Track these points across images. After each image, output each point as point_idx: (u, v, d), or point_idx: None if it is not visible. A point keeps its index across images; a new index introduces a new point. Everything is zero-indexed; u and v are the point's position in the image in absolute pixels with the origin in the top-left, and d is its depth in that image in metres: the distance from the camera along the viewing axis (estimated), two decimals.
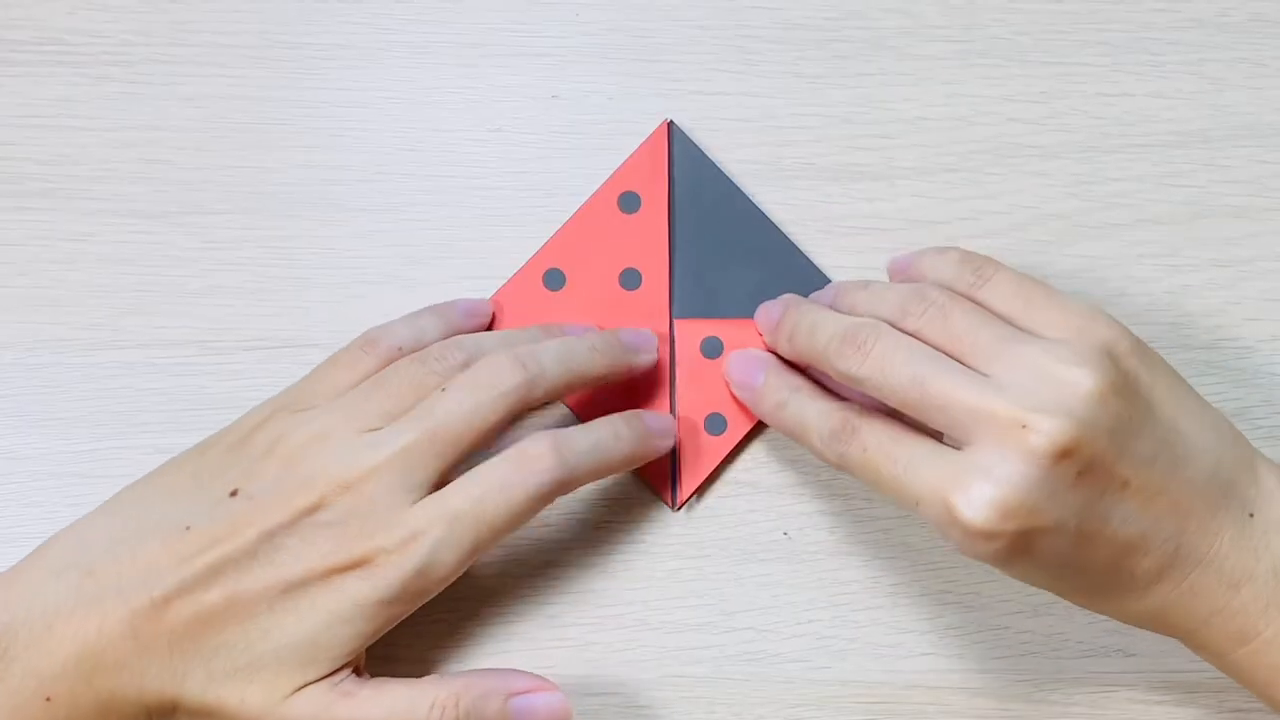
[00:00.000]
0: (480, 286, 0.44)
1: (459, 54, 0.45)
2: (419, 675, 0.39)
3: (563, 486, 0.38)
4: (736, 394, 0.43)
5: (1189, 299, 0.44)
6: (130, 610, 0.36)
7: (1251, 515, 0.36)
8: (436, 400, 0.38)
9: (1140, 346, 0.37)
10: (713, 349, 0.44)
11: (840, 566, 0.43)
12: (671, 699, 0.43)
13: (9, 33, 0.45)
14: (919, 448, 0.36)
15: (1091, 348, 0.35)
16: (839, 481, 0.44)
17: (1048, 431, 0.33)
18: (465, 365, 0.39)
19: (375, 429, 0.38)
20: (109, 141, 0.45)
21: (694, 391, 0.44)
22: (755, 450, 0.44)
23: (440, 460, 0.38)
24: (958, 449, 0.35)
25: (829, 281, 0.44)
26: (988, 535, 0.34)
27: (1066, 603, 0.38)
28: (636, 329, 0.43)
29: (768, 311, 0.42)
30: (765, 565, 0.43)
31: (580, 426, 0.40)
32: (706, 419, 0.44)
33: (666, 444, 0.42)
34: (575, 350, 0.40)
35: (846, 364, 0.37)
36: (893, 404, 0.36)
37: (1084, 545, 0.35)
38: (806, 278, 0.44)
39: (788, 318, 0.41)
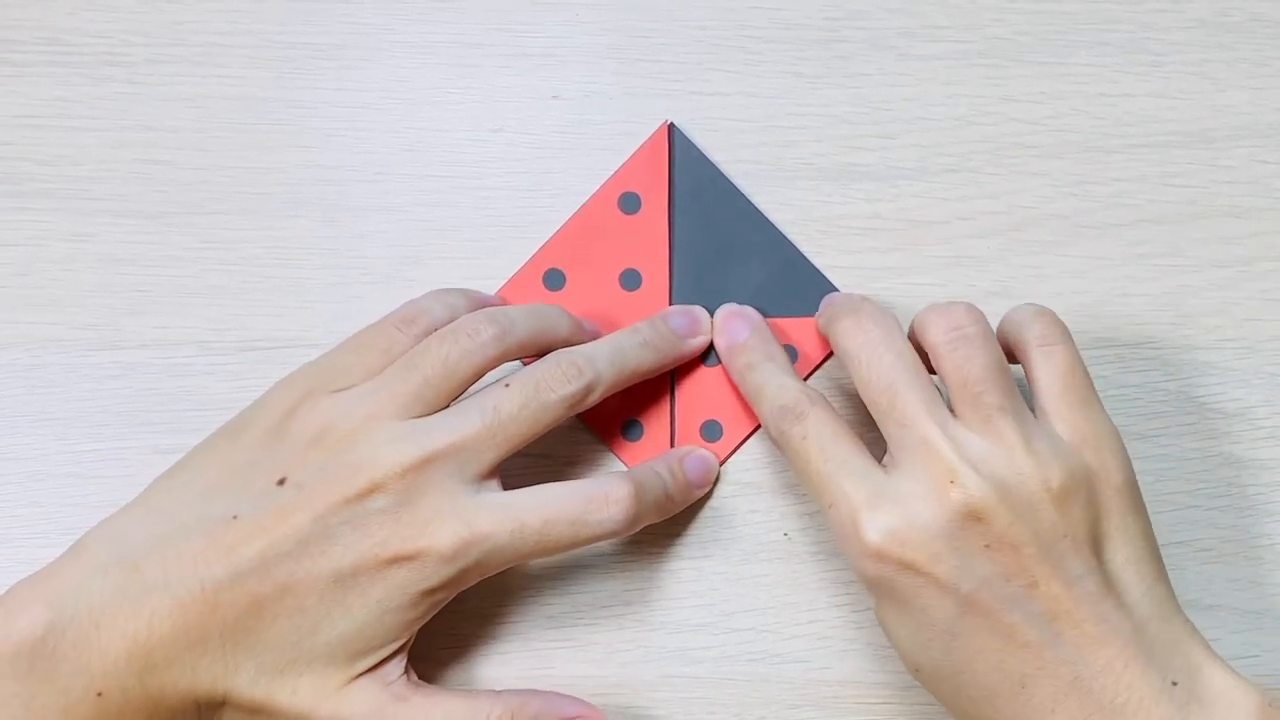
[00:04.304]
0: (480, 286, 0.44)
1: (459, 54, 0.45)
2: (418, 674, 0.39)
3: (625, 531, 0.39)
4: (715, 341, 0.43)
5: (1189, 299, 0.44)
6: (180, 604, 0.35)
7: (1175, 684, 0.34)
8: (500, 396, 0.38)
9: (1131, 494, 0.36)
10: (712, 356, 0.44)
11: (841, 567, 0.43)
12: (671, 699, 0.43)
13: (8, 32, 0.45)
14: (853, 457, 0.37)
15: (1078, 460, 0.36)
16: None
17: (968, 490, 0.35)
18: (498, 340, 0.39)
19: (416, 414, 0.38)
20: (108, 141, 0.45)
21: (691, 398, 0.44)
22: (756, 451, 0.44)
23: (496, 454, 0.38)
24: (886, 472, 0.36)
25: (828, 282, 0.44)
26: (877, 555, 0.35)
27: None
28: (685, 308, 0.43)
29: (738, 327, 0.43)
30: (766, 566, 0.43)
31: (649, 473, 0.40)
32: (703, 426, 0.44)
33: (701, 492, 0.43)
34: (627, 350, 0.41)
35: (842, 325, 0.38)
36: (860, 390, 0.37)
37: (973, 617, 0.35)
38: (806, 278, 0.44)
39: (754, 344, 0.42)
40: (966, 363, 0.36)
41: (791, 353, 0.44)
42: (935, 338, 0.37)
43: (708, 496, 0.44)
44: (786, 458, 0.39)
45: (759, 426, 0.44)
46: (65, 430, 0.44)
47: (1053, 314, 0.38)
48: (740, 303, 0.44)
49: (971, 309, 0.37)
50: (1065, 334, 0.38)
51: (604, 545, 0.43)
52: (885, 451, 0.38)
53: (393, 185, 0.45)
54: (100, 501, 0.43)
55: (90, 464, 0.43)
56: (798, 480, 0.39)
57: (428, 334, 0.39)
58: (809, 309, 0.44)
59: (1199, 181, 0.45)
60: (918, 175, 0.45)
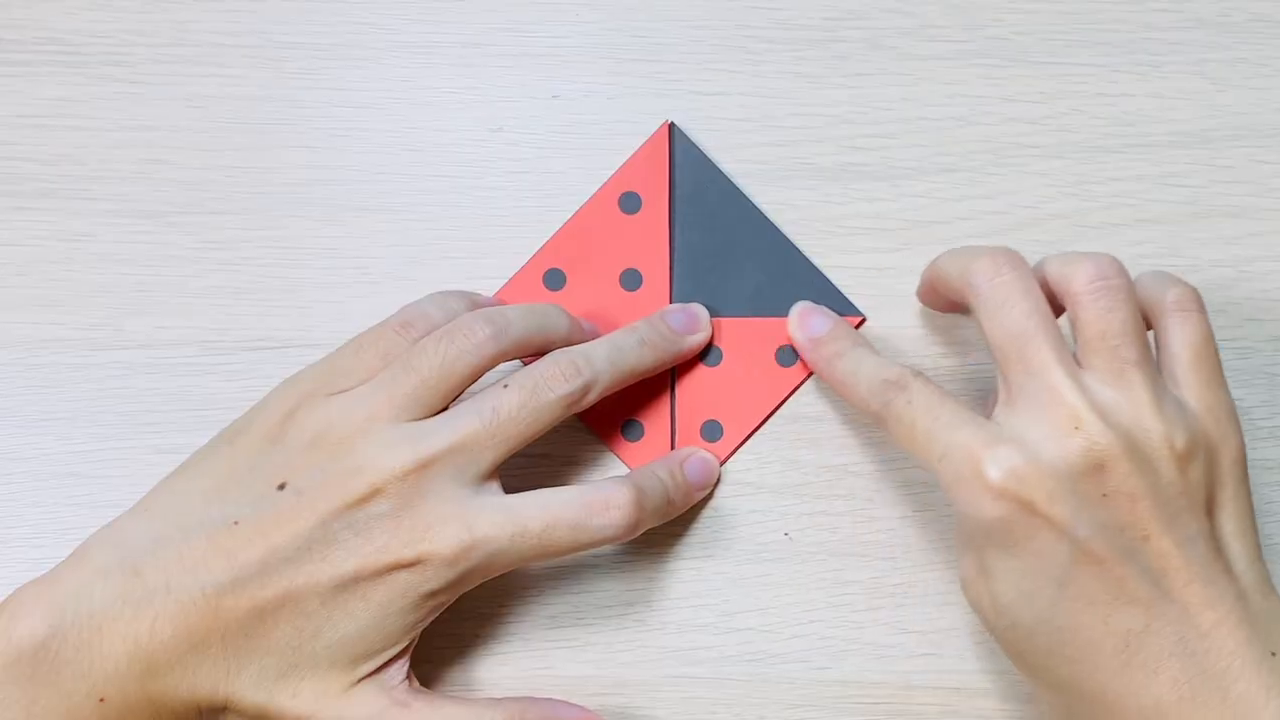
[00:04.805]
0: (481, 286, 0.44)
1: (459, 54, 0.45)
2: (418, 675, 0.39)
3: (625, 537, 0.39)
4: (793, 340, 0.43)
5: None
6: (181, 608, 0.35)
7: (1274, 654, 0.34)
8: (498, 397, 0.38)
9: (1244, 470, 0.36)
10: (712, 356, 0.44)
11: (841, 567, 0.43)
12: (671, 699, 0.43)
13: (9, 32, 0.45)
14: (963, 412, 0.36)
15: (1201, 427, 0.35)
16: (842, 483, 0.44)
17: (1092, 437, 0.34)
18: (494, 339, 0.39)
19: (414, 415, 0.38)
20: (109, 141, 0.45)
21: (692, 398, 0.44)
22: (757, 450, 0.44)
23: (495, 455, 0.38)
24: (1001, 421, 0.36)
25: (829, 282, 0.44)
26: (998, 492, 0.34)
27: None
28: (684, 305, 0.43)
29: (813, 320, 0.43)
30: (766, 566, 0.43)
31: (650, 477, 0.40)
32: (703, 426, 0.44)
33: (702, 494, 0.43)
34: (625, 349, 0.41)
35: (978, 265, 0.37)
36: (988, 335, 0.36)
37: (1086, 566, 0.34)
38: (806, 279, 0.44)
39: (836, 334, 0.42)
40: (1109, 314, 0.36)
41: (791, 353, 0.44)
42: (1079, 285, 0.36)
43: (708, 497, 0.44)
44: (889, 428, 0.38)
45: (759, 426, 0.44)
46: (67, 430, 0.44)
47: (1189, 283, 0.38)
48: (741, 303, 0.44)
49: (1116, 261, 0.37)
50: (1202, 304, 0.37)
51: (604, 546, 0.43)
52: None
53: (393, 185, 0.45)
54: (101, 501, 0.43)
55: (92, 464, 0.44)
56: (901, 447, 0.38)
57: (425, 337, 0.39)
58: None
59: (1198, 181, 0.45)
60: (918, 175, 0.45)
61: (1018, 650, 0.36)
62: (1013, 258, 0.37)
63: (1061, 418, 0.34)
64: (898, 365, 0.39)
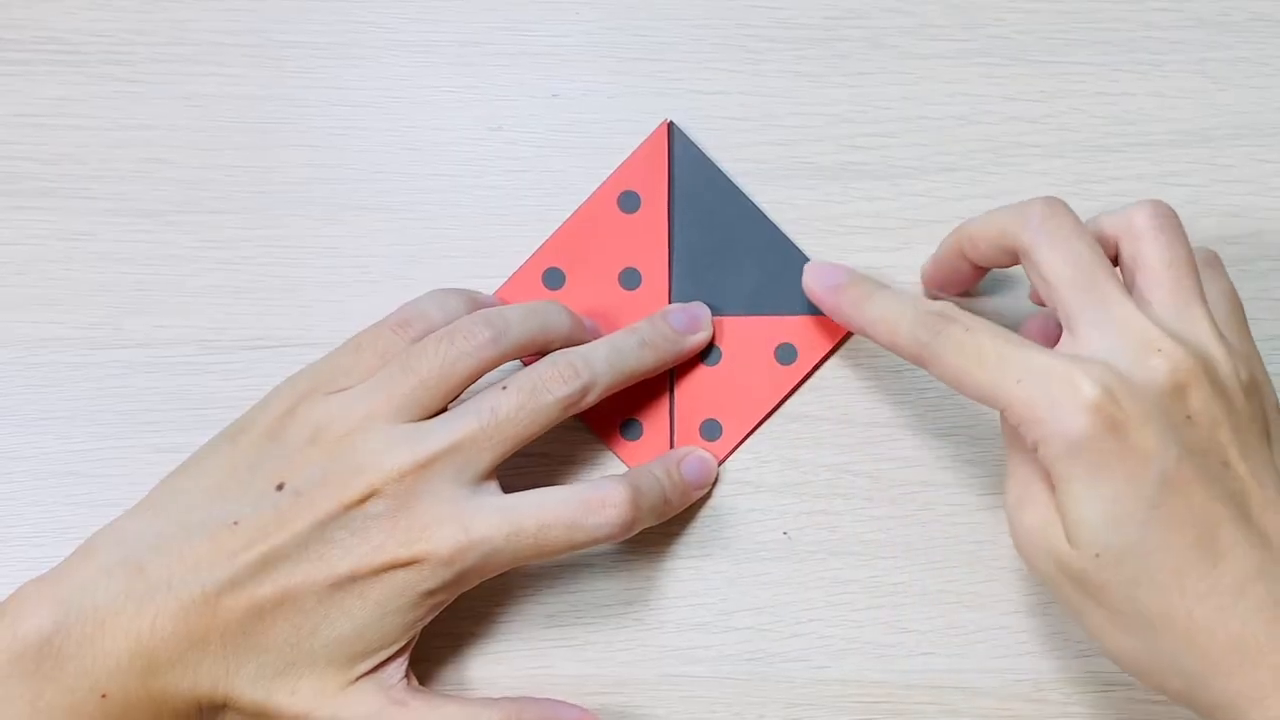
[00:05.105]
0: (480, 285, 0.44)
1: (458, 52, 0.45)
2: (416, 674, 0.39)
3: (621, 536, 0.39)
4: (813, 297, 0.42)
5: None
6: (182, 606, 0.36)
7: None
8: (497, 398, 0.38)
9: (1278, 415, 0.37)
10: (711, 355, 0.44)
11: (840, 566, 0.43)
12: (670, 699, 0.43)
13: (8, 32, 0.45)
14: (1030, 342, 0.35)
15: (1251, 362, 0.36)
16: (840, 481, 0.44)
17: (1174, 359, 0.34)
18: (493, 342, 0.39)
19: (412, 415, 0.38)
20: (108, 140, 0.45)
21: (691, 397, 0.44)
22: (756, 449, 0.44)
23: (493, 456, 0.38)
24: (1075, 347, 0.35)
25: None
26: (1094, 408, 0.33)
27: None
28: (685, 305, 0.43)
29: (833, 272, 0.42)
30: (765, 565, 0.43)
31: (647, 476, 0.40)
32: (702, 425, 0.44)
33: (699, 493, 0.43)
34: (625, 350, 0.41)
35: (1034, 209, 0.36)
36: (1051, 270, 0.36)
37: (1177, 487, 0.33)
38: None
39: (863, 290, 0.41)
40: (1173, 246, 0.36)
41: (791, 352, 0.44)
42: (1142, 222, 0.36)
43: (707, 496, 0.44)
44: (940, 360, 0.36)
45: (758, 425, 0.44)
46: (66, 429, 0.44)
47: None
48: (740, 301, 0.44)
49: (1170, 205, 0.37)
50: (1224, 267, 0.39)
51: (602, 544, 0.43)
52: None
53: (392, 184, 0.45)
54: (101, 500, 0.43)
55: (91, 462, 0.44)
56: (952, 379, 0.36)
57: (424, 336, 0.39)
58: (809, 308, 0.43)
59: (1198, 180, 0.45)
60: (918, 174, 0.45)
61: (1099, 584, 0.34)
62: (1064, 204, 0.37)
63: (1141, 342, 0.34)
64: (936, 301, 0.38)
